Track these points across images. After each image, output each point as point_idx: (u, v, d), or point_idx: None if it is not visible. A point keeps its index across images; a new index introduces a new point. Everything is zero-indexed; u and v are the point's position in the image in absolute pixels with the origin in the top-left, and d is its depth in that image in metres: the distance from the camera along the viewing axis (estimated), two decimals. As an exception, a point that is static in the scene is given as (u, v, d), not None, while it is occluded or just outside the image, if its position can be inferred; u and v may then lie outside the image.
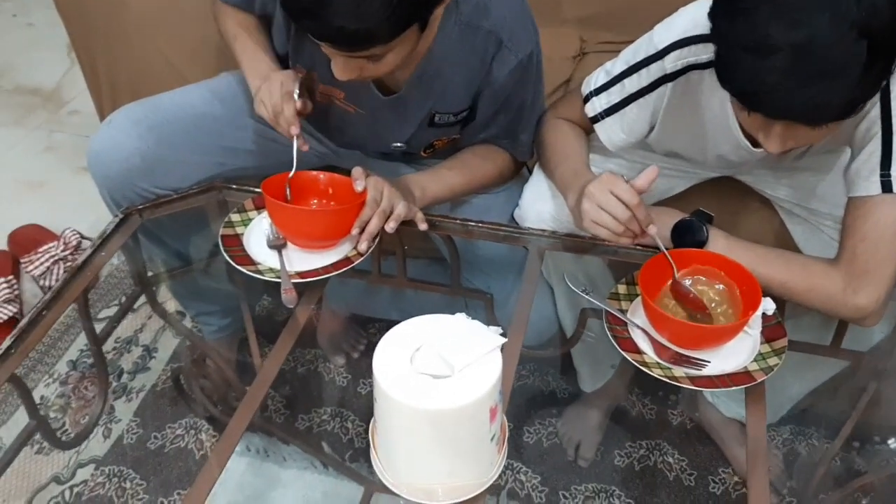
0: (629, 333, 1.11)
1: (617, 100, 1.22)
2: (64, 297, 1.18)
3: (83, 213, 2.04)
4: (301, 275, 1.18)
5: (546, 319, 1.40)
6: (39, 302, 1.15)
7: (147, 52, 1.63)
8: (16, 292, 1.82)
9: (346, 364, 1.72)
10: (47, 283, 1.86)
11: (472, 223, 1.31)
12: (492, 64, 1.22)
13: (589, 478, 1.53)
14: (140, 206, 1.32)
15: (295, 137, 1.19)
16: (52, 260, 1.87)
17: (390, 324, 0.93)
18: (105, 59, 1.64)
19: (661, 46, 1.14)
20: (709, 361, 1.05)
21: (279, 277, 1.17)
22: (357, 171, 1.21)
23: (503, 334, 0.91)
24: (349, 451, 1.56)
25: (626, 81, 1.20)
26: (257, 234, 1.26)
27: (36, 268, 1.86)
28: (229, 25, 1.32)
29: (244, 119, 1.37)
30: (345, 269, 1.20)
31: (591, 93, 1.25)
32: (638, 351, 1.08)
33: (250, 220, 1.28)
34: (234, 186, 1.37)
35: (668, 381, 1.03)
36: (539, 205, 1.32)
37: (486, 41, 1.20)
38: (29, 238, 2.00)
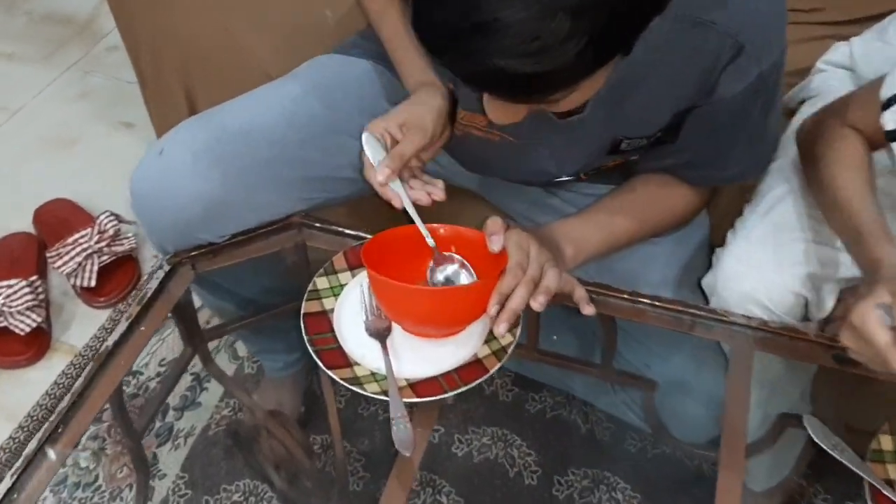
0: (907, 526, 0.76)
1: None
2: (89, 400, 0.86)
3: (122, 181, 1.68)
4: (415, 388, 0.83)
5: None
6: (55, 414, 0.83)
7: (199, 18, 1.26)
8: (41, 296, 1.51)
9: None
10: (78, 283, 1.54)
11: (647, 302, 0.94)
12: (721, 74, 0.83)
13: None
14: (193, 253, 0.98)
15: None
16: (84, 254, 1.53)
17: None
18: (147, 26, 1.28)
19: None
20: None
21: (386, 393, 0.82)
22: (495, 224, 0.85)
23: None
24: (448, 544, 1.25)
25: None
26: (351, 310, 0.91)
27: (65, 263, 1.53)
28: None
29: (337, 136, 1.00)
30: (478, 380, 0.84)
31: (893, 97, 0.85)
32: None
33: (342, 287, 0.93)
34: (318, 225, 1.01)
35: None
36: (744, 282, 0.94)
37: (717, 44, 0.80)
38: (58, 218, 1.68)
